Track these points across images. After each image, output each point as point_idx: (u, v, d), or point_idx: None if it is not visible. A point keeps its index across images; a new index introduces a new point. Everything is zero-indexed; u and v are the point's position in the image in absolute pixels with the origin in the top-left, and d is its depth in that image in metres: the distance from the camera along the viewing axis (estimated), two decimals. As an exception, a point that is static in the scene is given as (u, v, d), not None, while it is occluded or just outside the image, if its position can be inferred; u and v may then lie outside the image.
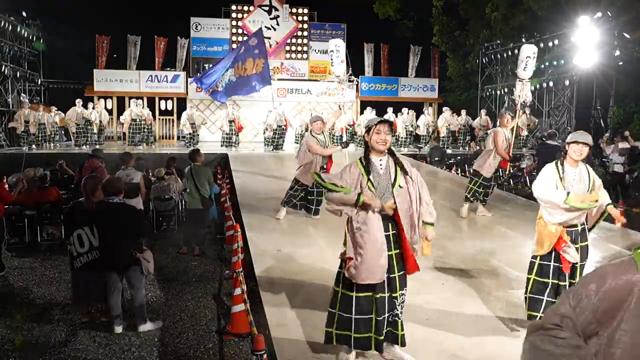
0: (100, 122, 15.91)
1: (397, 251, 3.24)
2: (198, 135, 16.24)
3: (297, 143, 17.39)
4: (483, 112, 17.70)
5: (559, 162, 3.86)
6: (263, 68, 14.20)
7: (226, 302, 5.24)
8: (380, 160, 3.28)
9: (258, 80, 14.28)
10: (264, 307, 4.23)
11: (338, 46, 7.38)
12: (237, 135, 15.81)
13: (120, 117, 16.58)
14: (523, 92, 7.60)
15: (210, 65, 15.16)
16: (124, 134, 16.53)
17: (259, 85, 14.44)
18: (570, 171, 3.82)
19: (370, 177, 3.21)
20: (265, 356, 3.13)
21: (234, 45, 19.27)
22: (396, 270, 3.22)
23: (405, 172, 3.26)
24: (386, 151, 3.29)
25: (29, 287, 5.83)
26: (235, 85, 14.18)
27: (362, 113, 17.77)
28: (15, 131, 14.85)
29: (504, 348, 3.64)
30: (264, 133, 16.06)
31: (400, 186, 3.22)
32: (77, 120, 15.22)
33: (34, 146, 14.77)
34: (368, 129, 3.25)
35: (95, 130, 15.62)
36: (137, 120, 15.74)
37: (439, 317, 4.08)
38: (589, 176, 3.87)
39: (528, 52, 7.52)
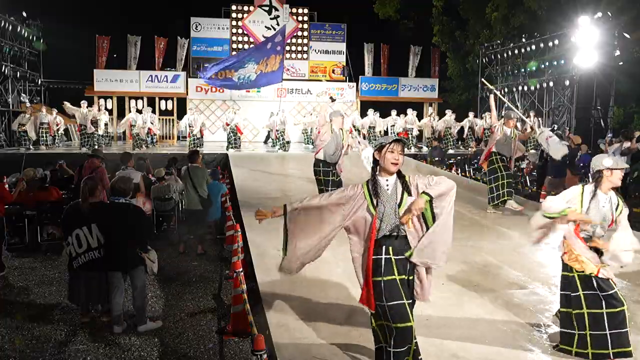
0: (106, 123, 15.92)
1: (411, 277, 3.11)
2: (201, 137, 16.14)
3: (301, 143, 17.45)
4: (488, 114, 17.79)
5: (590, 185, 3.60)
6: (280, 65, 13.87)
7: (226, 302, 5.24)
8: (387, 180, 3.10)
9: (272, 77, 13.90)
10: (264, 307, 4.23)
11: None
12: (239, 138, 15.82)
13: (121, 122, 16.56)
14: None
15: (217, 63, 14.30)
16: (124, 134, 16.53)
17: (269, 81, 14.05)
18: (602, 197, 3.55)
19: (374, 200, 3.06)
20: (265, 356, 3.13)
21: (234, 45, 19.30)
22: (404, 298, 3.03)
23: (409, 194, 3.07)
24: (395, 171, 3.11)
25: (29, 287, 5.82)
26: (253, 82, 13.75)
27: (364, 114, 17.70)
28: (22, 131, 14.75)
29: (504, 348, 3.64)
30: (269, 134, 16.12)
31: (405, 206, 3.04)
32: (82, 122, 15.22)
33: (43, 147, 14.77)
34: (380, 147, 3.10)
35: (101, 132, 15.59)
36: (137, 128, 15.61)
37: (439, 317, 4.08)
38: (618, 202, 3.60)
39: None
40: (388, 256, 3.06)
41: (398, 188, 3.09)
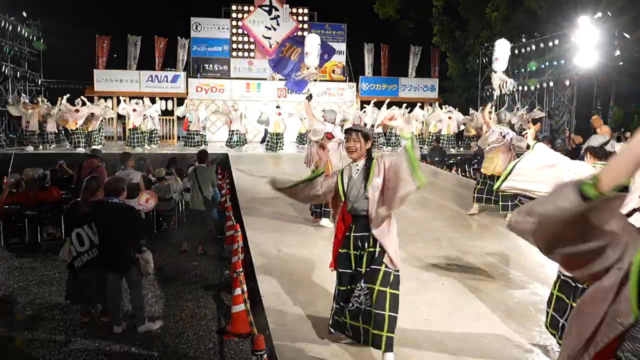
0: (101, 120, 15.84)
1: (372, 249, 3.34)
2: (205, 135, 16.08)
3: (298, 143, 17.38)
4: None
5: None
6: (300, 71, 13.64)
7: (226, 302, 5.24)
8: (357, 164, 3.47)
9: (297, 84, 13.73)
10: (264, 307, 4.23)
11: (312, 41, 8.62)
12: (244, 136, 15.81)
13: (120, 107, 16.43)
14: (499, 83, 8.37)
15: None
16: (124, 133, 16.48)
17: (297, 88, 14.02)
18: None
19: (344, 184, 3.44)
20: (265, 356, 3.13)
21: (234, 45, 19.28)
22: (364, 266, 3.36)
23: (376, 173, 3.34)
24: (363, 156, 3.44)
25: (29, 287, 5.82)
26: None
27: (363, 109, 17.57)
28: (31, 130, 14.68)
29: (504, 348, 3.64)
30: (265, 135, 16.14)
31: (371, 188, 3.33)
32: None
33: (40, 147, 14.71)
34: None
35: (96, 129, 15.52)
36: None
37: (439, 317, 4.08)
38: None
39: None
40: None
41: (365, 170, 3.42)
